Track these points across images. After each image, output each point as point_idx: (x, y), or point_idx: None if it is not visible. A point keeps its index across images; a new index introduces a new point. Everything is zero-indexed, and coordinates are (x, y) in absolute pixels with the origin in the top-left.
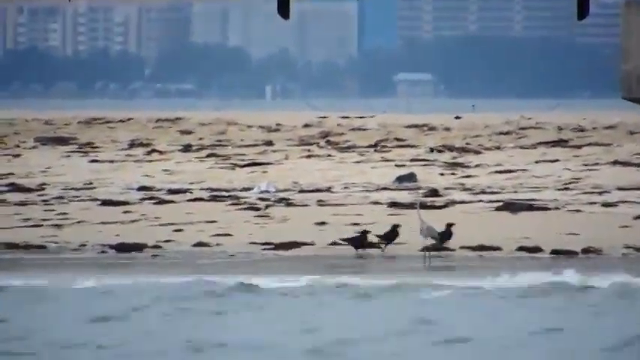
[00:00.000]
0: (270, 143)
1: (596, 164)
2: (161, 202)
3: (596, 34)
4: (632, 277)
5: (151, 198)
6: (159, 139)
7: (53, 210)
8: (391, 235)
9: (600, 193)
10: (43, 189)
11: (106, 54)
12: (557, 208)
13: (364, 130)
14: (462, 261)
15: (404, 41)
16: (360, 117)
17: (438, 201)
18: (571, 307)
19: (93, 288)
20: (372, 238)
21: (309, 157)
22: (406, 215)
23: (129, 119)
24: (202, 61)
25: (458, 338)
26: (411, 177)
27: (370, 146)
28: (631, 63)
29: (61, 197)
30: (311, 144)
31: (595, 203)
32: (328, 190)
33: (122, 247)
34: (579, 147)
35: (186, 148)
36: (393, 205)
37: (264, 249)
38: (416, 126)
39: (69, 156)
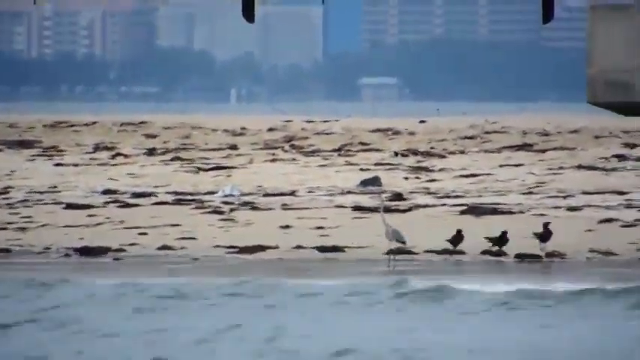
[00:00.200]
0: (234, 147)
1: (561, 168)
2: (126, 205)
3: (562, 38)
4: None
5: (115, 201)
6: (123, 142)
7: (18, 213)
8: (502, 240)
9: (565, 197)
10: (8, 192)
11: (72, 57)
12: (521, 212)
13: (329, 134)
14: (426, 265)
15: (369, 45)
16: (325, 121)
17: (402, 205)
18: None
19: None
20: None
21: (273, 161)
22: (370, 218)
23: (94, 123)
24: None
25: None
26: (375, 181)
27: (334, 150)
28: (596, 67)
29: (26, 200)
30: (275, 148)
31: (559, 207)
32: (293, 194)
33: (86, 251)
34: (544, 151)
35: (151, 152)
36: (358, 208)
37: (229, 252)
38: (380, 130)
39: (34, 159)
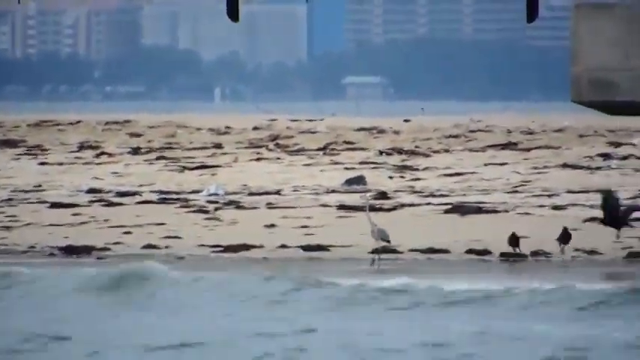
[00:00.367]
0: (219, 146)
1: (546, 167)
2: (110, 204)
3: (547, 37)
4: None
5: (100, 200)
6: (108, 141)
7: (2, 212)
8: (566, 237)
9: (549, 196)
10: None
11: (56, 57)
12: (506, 211)
13: (313, 132)
14: (411, 264)
15: (354, 44)
16: (310, 120)
17: (387, 203)
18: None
19: None
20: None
21: (258, 159)
22: (355, 218)
23: (78, 122)
24: (152, 63)
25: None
26: (360, 180)
27: (319, 149)
28: (580, 66)
29: (10, 199)
30: (260, 147)
31: (544, 206)
32: (277, 192)
33: (70, 250)
34: (528, 150)
35: (136, 151)
36: (342, 207)
37: (213, 251)
38: (365, 129)
39: (18, 158)
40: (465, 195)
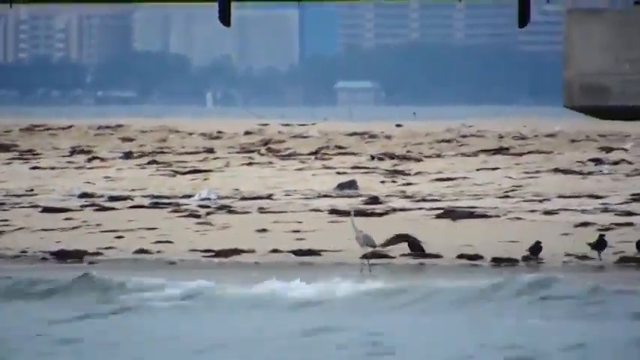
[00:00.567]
0: (211, 150)
1: (537, 172)
2: (102, 209)
3: (538, 42)
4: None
5: (92, 205)
6: (100, 146)
7: None
8: (601, 244)
9: (541, 201)
10: None
11: (48, 61)
12: (497, 216)
13: (305, 137)
14: (402, 269)
15: (345, 48)
16: (302, 124)
17: (379, 208)
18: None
19: None
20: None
21: (250, 164)
22: (347, 222)
23: (70, 126)
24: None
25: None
26: (351, 184)
27: (311, 154)
28: (572, 71)
29: (2, 204)
30: (252, 151)
31: (536, 211)
32: (269, 197)
33: (62, 254)
34: (520, 155)
35: (128, 155)
36: (334, 212)
37: (205, 256)
38: (357, 133)
39: (10, 163)
40: (456, 200)
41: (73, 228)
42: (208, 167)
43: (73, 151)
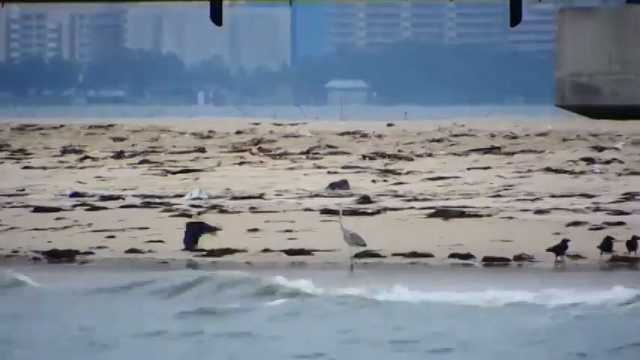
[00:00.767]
0: (202, 150)
1: (529, 171)
2: (94, 208)
3: (530, 41)
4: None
5: (83, 204)
6: (91, 145)
7: None
8: (607, 246)
9: (533, 200)
10: None
11: (39, 61)
12: (489, 215)
13: (297, 137)
14: (393, 268)
15: (337, 48)
16: (293, 124)
17: (370, 207)
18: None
19: None
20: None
21: (241, 164)
22: (338, 222)
23: (62, 126)
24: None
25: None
26: (343, 184)
27: (302, 153)
28: (564, 70)
29: None
30: (243, 151)
31: (528, 210)
32: (261, 197)
33: (54, 254)
34: (512, 154)
35: (119, 155)
36: (326, 212)
37: (196, 255)
38: (348, 133)
39: (1, 162)
40: (448, 199)
41: (65, 228)
42: (200, 167)
43: (65, 151)
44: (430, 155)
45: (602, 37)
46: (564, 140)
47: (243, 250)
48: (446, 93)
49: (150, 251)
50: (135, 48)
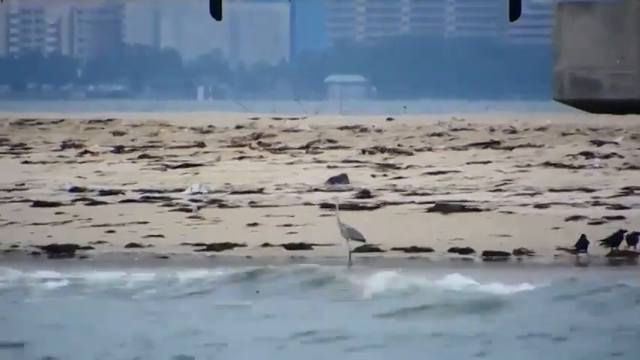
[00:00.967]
0: (202, 145)
1: (528, 166)
2: (93, 203)
3: (529, 35)
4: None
5: (83, 199)
6: (91, 140)
7: None
8: (616, 240)
9: (532, 195)
10: None
11: (38, 55)
12: (489, 210)
13: (296, 131)
14: (392, 262)
15: (336, 43)
16: (292, 118)
17: (370, 202)
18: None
19: None
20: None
21: (241, 158)
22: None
23: (61, 120)
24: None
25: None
26: (342, 178)
27: (302, 147)
28: (562, 64)
29: None
30: (243, 145)
31: (527, 205)
32: (260, 191)
33: (54, 249)
34: (511, 148)
35: (119, 150)
36: (325, 206)
37: (196, 250)
38: (348, 127)
39: (1, 157)
40: (447, 193)
41: (65, 222)
42: (199, 161)
43: (64, 146)
44: (430, 150)
45: (601, 31)
46: (564, 135)
47: (243, 245)
48: (445, 87)
49: (150, 246)
50: (134, 43)
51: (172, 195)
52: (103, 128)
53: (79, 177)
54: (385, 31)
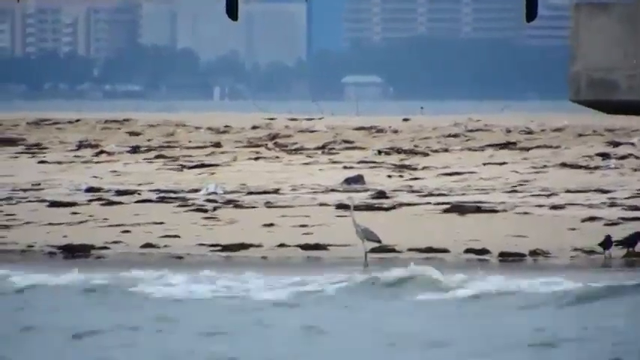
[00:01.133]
0: (218, 145)
1: (545, 167)
2: (109, 203)
3: (546, 36)
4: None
5: (99, 199)
6: (107, 140)
7: (1, 211)
8: (632, 241)
9: (548, 196)
10: None
11: (55, 55)
12: (505, 211)
13: (312, 132)
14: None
15: (353, 43)
16: (309, 119)
17: (386, 203)
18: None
19: None
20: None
21: (257, 159)
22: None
23: (77, 120)
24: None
25: None
26: (358, 179)
27: (318, 148)
28: (579, 65)
29: (10, 198)
30: (259, 146)
31: (543, 206)
32: (276, 192)
33: (69, 248)
34: (527, 149)
35: (135, 150)
36: (341, 207)
37: (212, 250)
38: (364, 128)
39: (17, 157)
40: (463, 194)
41: (80, 222)
42: (215, 162)
43: (80, 145)
44: (446, 150)
45: (618, 32)
46: (580, 135)
47: (259, 245)
48: (461, 88)
49: (165, 246)
50: (150, 43)
51: (188, 195)
52: (119, 128)
53: (95, 177)
54: (401, 32)
